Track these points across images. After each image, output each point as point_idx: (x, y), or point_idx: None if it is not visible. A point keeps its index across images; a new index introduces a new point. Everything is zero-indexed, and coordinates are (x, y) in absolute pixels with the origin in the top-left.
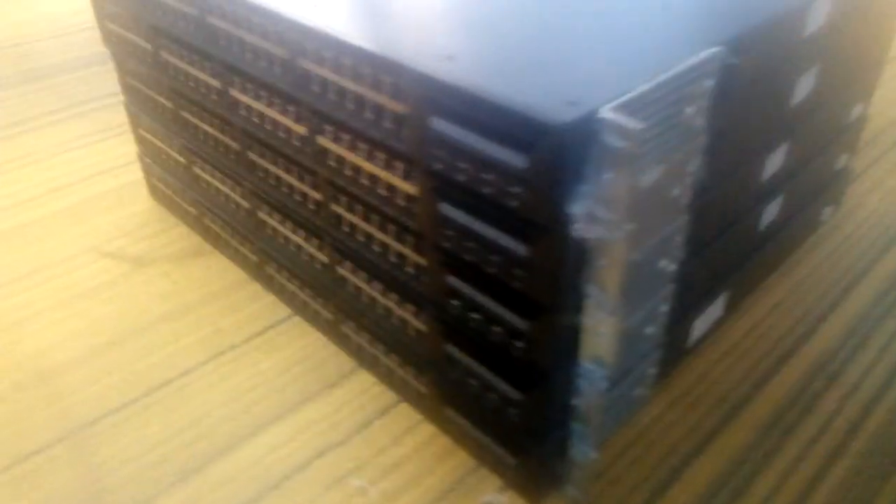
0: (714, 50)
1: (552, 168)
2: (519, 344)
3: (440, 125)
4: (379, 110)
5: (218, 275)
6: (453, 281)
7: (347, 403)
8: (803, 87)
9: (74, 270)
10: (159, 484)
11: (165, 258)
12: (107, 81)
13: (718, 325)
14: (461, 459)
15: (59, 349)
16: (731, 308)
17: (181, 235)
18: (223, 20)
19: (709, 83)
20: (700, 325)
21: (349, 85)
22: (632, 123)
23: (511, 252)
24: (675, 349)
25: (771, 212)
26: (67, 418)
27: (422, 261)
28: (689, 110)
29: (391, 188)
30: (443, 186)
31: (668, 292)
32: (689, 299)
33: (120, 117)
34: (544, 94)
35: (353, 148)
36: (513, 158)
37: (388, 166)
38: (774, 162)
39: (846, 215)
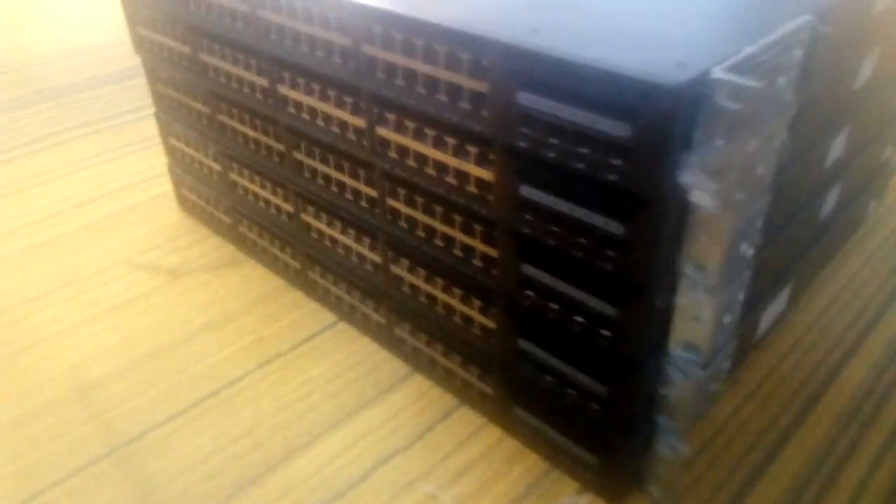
0: (806, 18)
1: (660, 135)
2: (605, 333)
3: (528, 100)
4: (454, 91)
5: (256, 283)
6: (530, 270)
7: (405, 408)
8: (865, 70)
9: (107, 283)
10: (215, 497)
11: (201, 268)
12: (122, 99)
13: (780, 318)
14: (532, 462)
15: (96, 363)
16: (792, 301)
17: (215, 246)
18: (277, 13)
19: (798, 54)
20: (766, 318)
21: (421, 67)
22: (748, 83)
23: (603, 231)
24: (744, 342)
25: (830, 201)
26: (111, 433)
27: (492, 252)
28: (780, 81)
29: (461, 175)
30: (526, 167)
31: (745, 279)
32: (759, 289)
33: (139, 132)
34: (649, 58)
35: (419, 136)
36: (615, 128)
37: (459, 152)
38: (837, 147)
39: (890, 209)
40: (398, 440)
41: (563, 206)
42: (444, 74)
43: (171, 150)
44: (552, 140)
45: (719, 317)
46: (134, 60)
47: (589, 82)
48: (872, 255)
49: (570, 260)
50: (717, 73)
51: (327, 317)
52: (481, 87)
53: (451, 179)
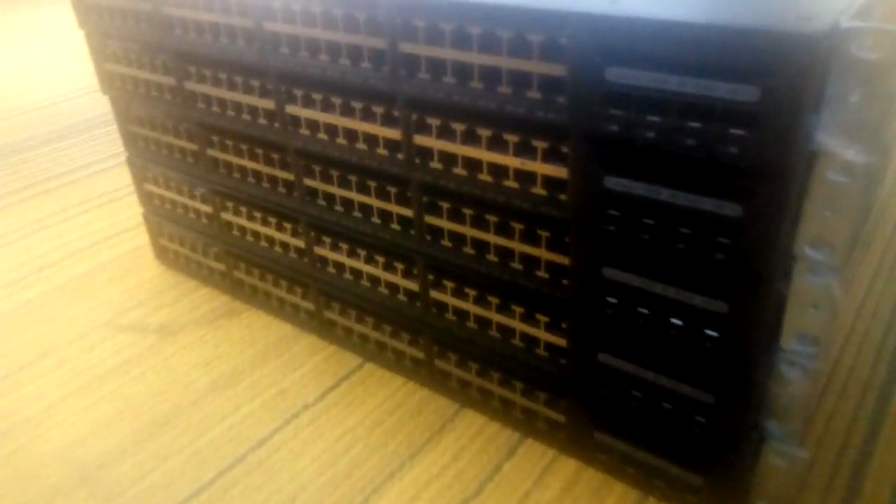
0: None
1: (794, 96)
2: (712, 333)
3: (621, 76)
4: (520, 80)
5: (262, 332)
6: (613, 274)
7: (464, 450)
8: None
9: (90, 350)
10: None
11: (195, 323)
12: (69, 157)
13: None
14: (622, 492)
15: (94, 440)
16: None
17: (206, 297)
18: (289, 22)
19: None
20: None
21: (478, 59)
22: (887, 27)
23: (715, 216)
24: None
25: None
26: None
27: (561, 259)
28: None
29: (525, 176)
30: (614, 154)
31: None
32: None
33: (95, 188)
34: (767, 13)
35: (470, 139)
36: (738, 93)
37: (522, 150)
38: None
39: None
40: (466, 487)
41: (663, 194)
42: (509, 63)
43: (146, 198)
44: (652, 118)
45: (839, 301)
46: (75, 118)
47: (704, 46)
48: None
49: (667, 255)
50: (847, 22)
51: (351, 359)
52: (556, 70)
53: (511, 183)
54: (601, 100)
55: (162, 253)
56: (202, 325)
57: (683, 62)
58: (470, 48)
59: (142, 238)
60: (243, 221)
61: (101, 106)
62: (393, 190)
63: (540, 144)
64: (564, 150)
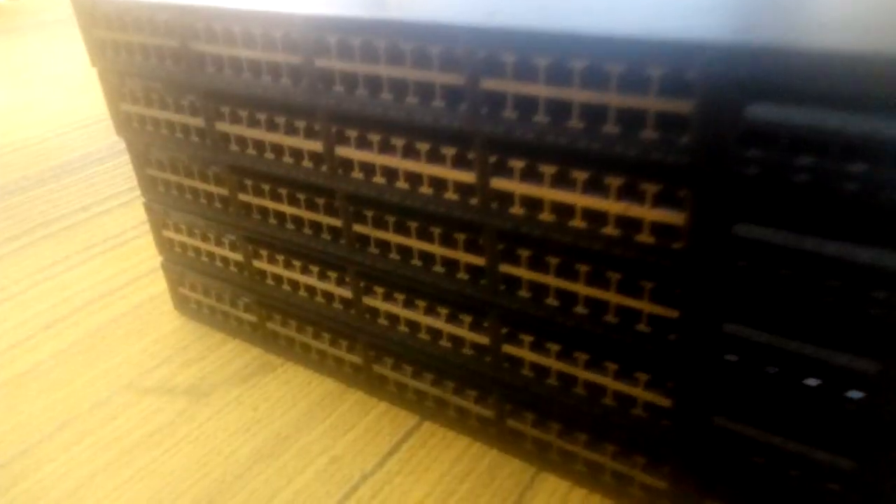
0: None
1: None
2: (857, 394)
3: (767, 113)
4: (633, 119)
5: (302, 389)
6: (735, 329)
7: None
8: None
9: (114, 418)
10: None
11: (228, 382)
12: (66, 198)
13: None
14: None
15: None
16: None
17: (235, 351)
18: (345, 59)
19: None
20: None
21: (578, 95)
22: None
23: (873, 267)
24: None
25: None
26: None
27: (669, 312)
28: None
29: (629, 223)
30: (748, 199)
31: None
32: None
33: (99, 232)
34: None
35: (562, 181)
36: None
37: (628, 194)
38: None
39: None
40: None
41: (807, 243)
42: (619, 100)
43: (165, 245)
44: (803, 160)
45: None
46: (68, 155)
47: (875, 78)
48: None
49: (807, 310)
50: None
51: (406, 417)
52: (680, 107)
53: (610, 230)
54: (737, 139)
55: (182, 303)
56: (236, 384)
57: (847, 96)
58: (570, 84)
59: (157, 287)
60: (279, 270)
61: (95, 141)
62: (461, 237)
63: (651, 188)
64: (681, 194)
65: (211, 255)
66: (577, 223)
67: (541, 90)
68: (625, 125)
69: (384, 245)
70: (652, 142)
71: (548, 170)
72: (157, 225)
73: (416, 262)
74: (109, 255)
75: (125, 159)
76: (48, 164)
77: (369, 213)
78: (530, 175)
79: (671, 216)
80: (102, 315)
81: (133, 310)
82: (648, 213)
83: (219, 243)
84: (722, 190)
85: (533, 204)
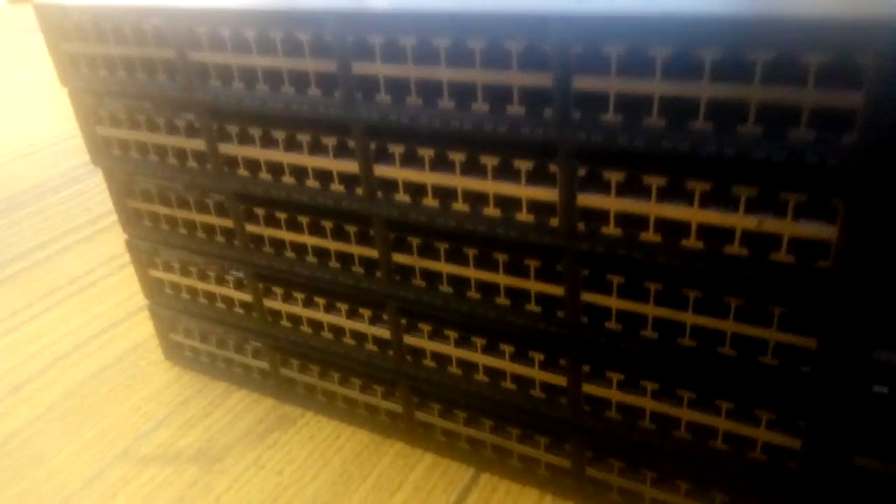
0: None
1: None
2: None
3: None
4: (785, 117)
5: (331, 444)
6: (890, 356)
7: None
8: None
9: (113, 496)
10: None
11: (242, 442)
12: (22, 236)
13: None
14: None
15: None
16: None
17: (244, 404)
18: (392, 61)
19: None
20: None
21: (716, 91)
22: None
23: None
24: None
25: None
26: None
27: (804, 341)
28: None
29: (762, 241)
30: None
31: None
32: None
33: (60, 274)
34: None
35: (673, 193)
36: None
37: (759, 206)
38: None
39: None
40: None
41: None
42: (762, 94)
43: (153, 286)
44: None
45: None
46: (16, 186)
47: None
48: None
49: None
50: None
51: (458, 470)
52: (848, 101)
53: (736, 249)
54: None
55: (175, 351)
56: (252, 444)
57: None
58: (698, 77)
59: (140, 333)
60: (297, 309)
61: (44, 169)
62: (534, 264)
63: (794, 198)
64: (834, 204)
65: (210, 295)
66: (694, 243)
67: (673, 88)
68: (768, 124)
69: (432, 276)
70: (805, 143)
71: (653, 181)
72: (143, 264)
73: (475, 294)
74: (78, 300)
75: (80, 188)
76: None
77: (414, 241)
78: (634, 187)
79: (818, 230)
80: (80, 371)
81: (116, 362)
82: (790, 228)
83: (221, 282)
84: (890, 198)
85: (631, 222)
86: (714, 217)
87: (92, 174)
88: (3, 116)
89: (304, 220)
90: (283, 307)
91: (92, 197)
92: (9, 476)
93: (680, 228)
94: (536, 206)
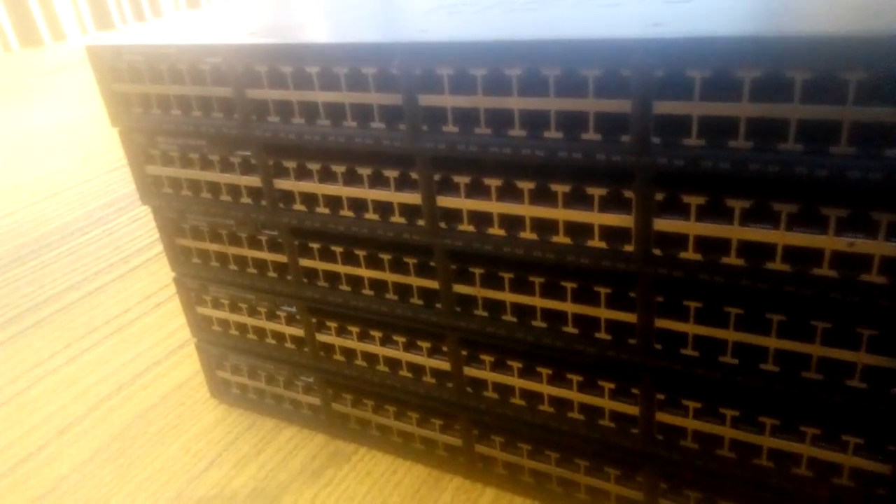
0: None
1: None
2: None
3: None
4: (874, 137)
5: (389, 480)
6: None
7: None
8: None
9: None
10: None
11: (297, 479)
12: (54, 276)
13: None
14: None
15: None
16: None
17: (296, 441)
18: (459, 93)
19: None
20: None
21: (801, 113)
22: None
23: None
24: None
25: None
26: None
27: (885, 362)
28: None
29: (850, 262)
30: None
31: None
32: None
33: (100, 312)
34: None
35: (757, 215)
36: None
37: (849, 227)
38: None
39: None
40: None
41: None
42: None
43: (201, 323)
44: None
45: None
46: (40, 230)
47: None
48: None
49: None
50: None
51: (521, 503)
52: None
53: (826, 271)
54: None
55: (222, 389)
56: (308, 482)
57: None
58: (790, 97)
59: (184, 371)
60: (351, 343)
61: (71, 210)
62: (605, 291)
63: (886, 217)
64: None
65: (261, 331)
66: (779, 266)
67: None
68: (860, 144)
69: (496, 307)
70: None
71: (739, 204)
72: (191, 302)
73: (540, 323)
74: (117, 339)
75: (109, 228)
76: (22, 239)
77: (477, 272)
78: (709, 213)
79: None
80: (126, 412)
81: (161, 401)
82: (881, 248)
83: (272, 318)
84: None
85: (712, 245)
86: (800, 239)
87: (119, 213)
88: (26, 158)
89: (360, 252)
90: (337, 341)
91: (121, 237)
92: None
93: (764, 251)
94: (609, 233)
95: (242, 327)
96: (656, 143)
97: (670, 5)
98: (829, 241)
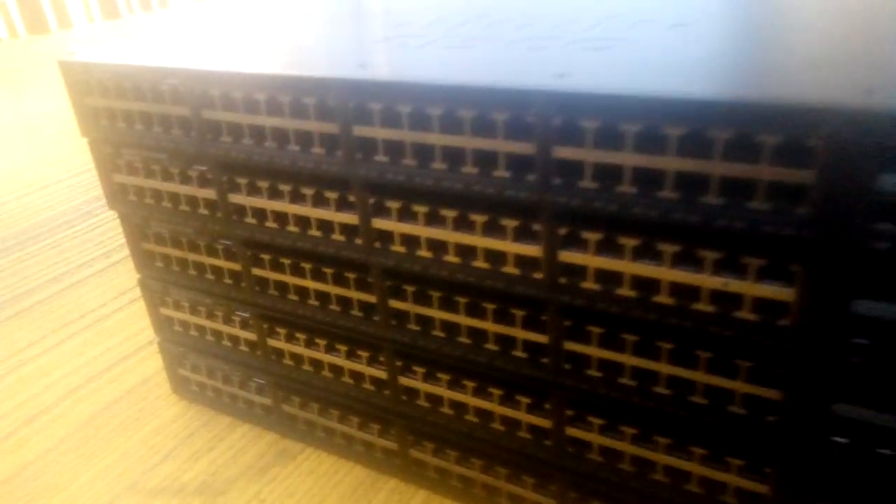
0: None
1: None
2: None
3: None
4: (739, 189)
5: (329, 479)
6: (847, 410)
7: None
8: None
9: None
10: None
11: (244, 475)
12: (35, 269)
13: None
14: None
15: None
16: None
17: (247, 439)
18: (388, 126)
19: None
20: None
21: (678, 165)
22: None
23: None
24: None
25: None
26: None
27: (770, 394)
28: None
29: (725, 299)
30: (875, 275)
31: None
32: None
33: (76, 306)
34: None
35: (645, 253)
36: None
37: (723, 269)
38: None
39: None
40: None
41: None
42: (723, 168)
43: (163, 323)
44: None
45: None
46: (28, 221)
47: None
48: None
49: None
50: None
51: None
52: (799, 177)
53: (703, 305)
54: (866, 212)
55: (182, 386)
56: (254, 478)
57: None
58: (664, 152)
59: (150, 367)
60: (299, 349)
61: (59, 203)
62: (520, 313)
63: (755, 262)
64: (793, 269)
65: (218, 334)
66: (665, 299)
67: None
68: (729, 196)
69: (426, 322)
70: (762, 213)
71: (629, 242)
72: (154, 303)
73: (466, 339)
74: (91, 333)
75: (94, 222)
76: (10, 230)
77: (409, 289)
78: (606, 247)
79: (779, 292)
80: (92, 403)
81: (126, 395)
82: (752, 289)
83: (228, 322)
84: (843, 265)
85: (608, 277)
86: (683, 276)
87: (106, 208)
88: (24, 147)
89: (307, 265)
90: (286, 346)
91: (105, 231)
92: None
93: (652, 285)
94: (522, 261)
95: (201, 329)
96: (557, 184)
97: (587, 53)
98: (706, 280)
